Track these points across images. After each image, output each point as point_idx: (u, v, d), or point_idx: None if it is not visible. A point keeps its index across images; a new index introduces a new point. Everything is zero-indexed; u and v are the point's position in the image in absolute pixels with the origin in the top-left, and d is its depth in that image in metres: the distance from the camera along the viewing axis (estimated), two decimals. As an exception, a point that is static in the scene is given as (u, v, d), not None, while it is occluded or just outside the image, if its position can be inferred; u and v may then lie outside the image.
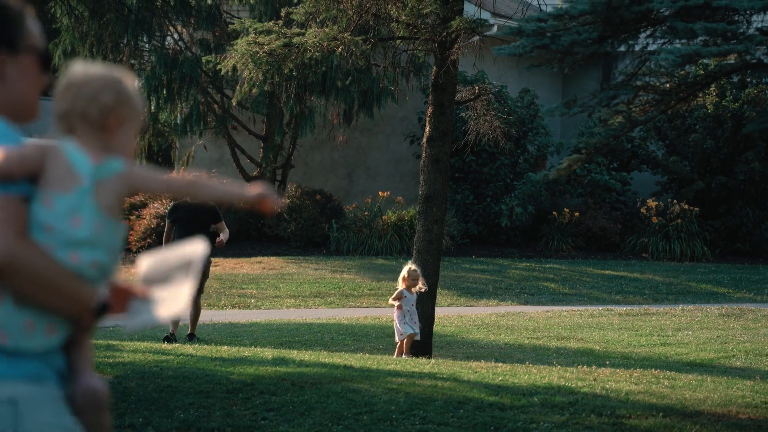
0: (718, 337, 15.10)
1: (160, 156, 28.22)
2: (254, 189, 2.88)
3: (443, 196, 13.02)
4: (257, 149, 25.03)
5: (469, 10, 16.47)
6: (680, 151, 24.93)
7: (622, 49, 9.45)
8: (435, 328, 13.69)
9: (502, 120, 15.50)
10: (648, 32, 8.91)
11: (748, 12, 8.19)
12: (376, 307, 18.22)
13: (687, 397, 8.80)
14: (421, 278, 12.46)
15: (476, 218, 24.41)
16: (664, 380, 9.85)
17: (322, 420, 7.38)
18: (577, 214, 24.24)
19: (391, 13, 12.76)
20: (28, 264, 2.63)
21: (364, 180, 26.46)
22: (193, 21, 23.29)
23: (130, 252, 21.63)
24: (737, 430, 7.72)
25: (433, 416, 7.59)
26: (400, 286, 12.52)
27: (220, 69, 13.28)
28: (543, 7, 12.22)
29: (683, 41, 8.55)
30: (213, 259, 18.14)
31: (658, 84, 9.43)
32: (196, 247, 2.94)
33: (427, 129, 12.93)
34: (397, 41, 13.28)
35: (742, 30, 8.24)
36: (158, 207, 22.33)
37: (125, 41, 22.71)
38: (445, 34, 12.41)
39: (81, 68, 2.86)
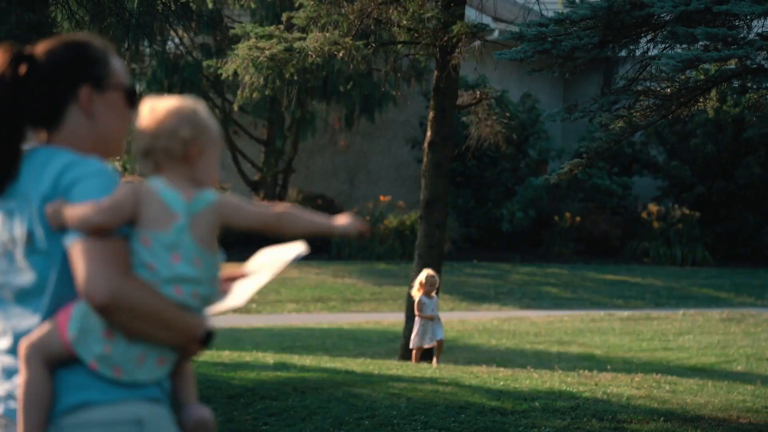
0: (719, 341, 15.10)
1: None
2: (341, 221, 2.92)
3: (444, 201, 13.02)
4: (259, 154, 25.04)
5: (471, 15, 16.49)
6: (681, 156, 24.93)
7: (623, 54, 9.46)
8: (436, 332, 13.68)
9: (503, 125, 15.49)
10: (649, 37, 8.92)
11: (748, 17, 8.20)
12: (377, 311, 18.22)
13: (688, 402, 8.80)
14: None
15: (477, 223, 24.40)
16: (666, 385, 9.84)
17: (323, 425, 7.38)
18: (578, 218, 24.24)
19: (393, 17, 12.76)
20: (136, 301, 2.70)
21: (365, 184, 26.46)
22: (194, 25, 23.26)
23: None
24: (738, 434, 7.72)
25: (434, 421, 7.60)
26: (417, 293, 12.00)
27: (221, 73, 13.30)
28: (544, 12, 12.23)
29: (684, 46, 8.55)
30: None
31: (658, 89, 9.43)
32: (293, 248, 2.98)
33: (429, 133, 12.93)
34: (399, 46, 13.29)
35: (742, 35, 8.25)
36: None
37: (126, 45, 22.64)
38: (446, 38, 12.42)
39: (155, 104, 2.90)
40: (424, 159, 12.98)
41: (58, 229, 2.74)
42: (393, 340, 14.11)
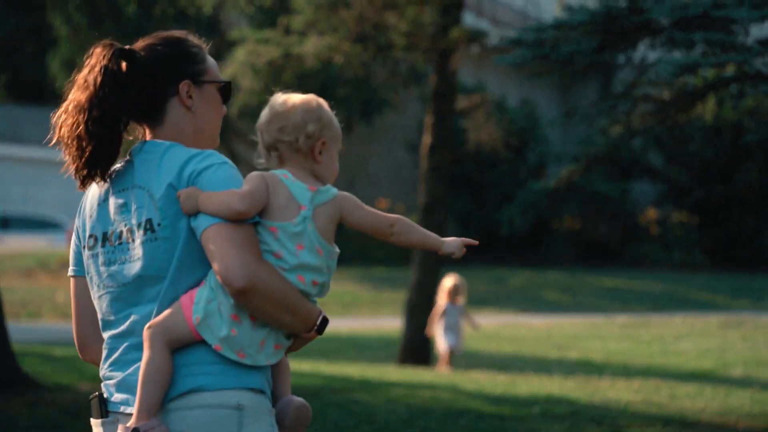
0: (717, 346, 15.09)
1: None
2: (451, 243, 3.01)
3: (443, 204, 13.03)
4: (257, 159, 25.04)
5: (469, 20, 16.50)
6: (680, 161, 24.96)
7: (622, 59, 9.46)
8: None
9: (502, 129, 15.51)
10: (647, 42, 8.91)
11: (746, 22, 8.20)
12: (376, 316, 18.21)
13: (686, 407, 8.80)
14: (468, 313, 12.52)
15: (476, 226, 24.41)
16: (664, 390, 9.85)
17: (322, 430, 7.37)
18: (577, 223, 24.25)
19: (391, 22, 12.77)
20: (268, 286, 2.81)
21: (364, 187, 26.47)
22: (191, 30, 23.32)
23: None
24: (737, 440, 7.72)
25: (433, 426, 7.59)
26: (443, 299, 12.25)
27: (220, 78, 13.29)
28: (542, 15, 12.25)
29: (682, 51, 8.55)
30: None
31: (657, 94, 9.43)
32: None
33: (428, 137, 12.94)
34: (397, 50, 13.30)
35: (740, 40, 8.25)
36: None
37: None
38: (444, 43, 12.43)
39: (282, 98, 3.00)
40: (423, 162, 12.99)
41: (192, 214, 2.84)
42: (391, 345, 14.11)
